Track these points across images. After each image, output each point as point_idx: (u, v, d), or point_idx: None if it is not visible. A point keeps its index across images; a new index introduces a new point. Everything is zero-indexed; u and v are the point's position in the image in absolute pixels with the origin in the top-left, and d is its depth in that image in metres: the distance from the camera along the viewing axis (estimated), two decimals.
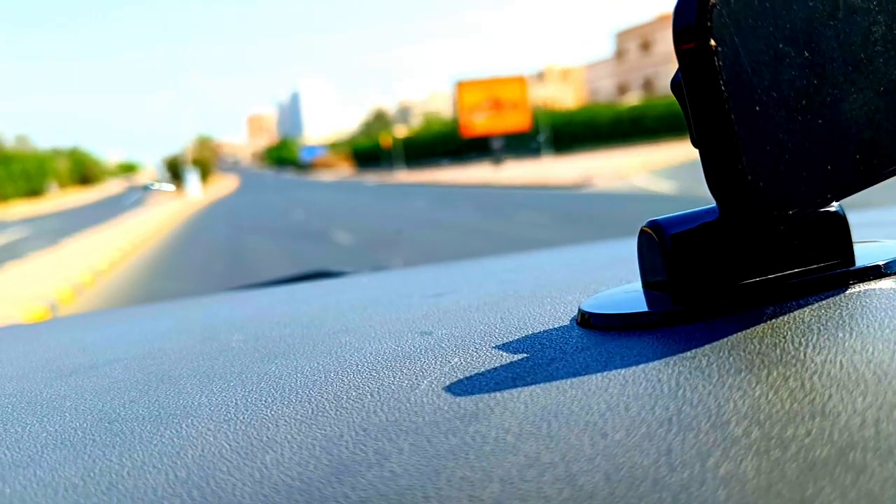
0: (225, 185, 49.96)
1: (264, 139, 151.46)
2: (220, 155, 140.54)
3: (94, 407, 0.51)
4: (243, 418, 0.44)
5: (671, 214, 0.51)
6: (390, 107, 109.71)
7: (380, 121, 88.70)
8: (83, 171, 78.19)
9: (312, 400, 0.46)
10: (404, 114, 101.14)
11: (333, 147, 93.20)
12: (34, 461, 0.42)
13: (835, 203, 0.51)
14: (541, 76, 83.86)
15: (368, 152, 57.68)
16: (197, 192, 30.56)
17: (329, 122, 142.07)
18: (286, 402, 0.46)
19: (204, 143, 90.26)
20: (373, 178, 41.40)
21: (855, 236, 0.52)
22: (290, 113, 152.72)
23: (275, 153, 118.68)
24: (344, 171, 67.16)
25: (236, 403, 0.47)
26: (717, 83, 0.42)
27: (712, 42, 0.42)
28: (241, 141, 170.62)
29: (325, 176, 62.78)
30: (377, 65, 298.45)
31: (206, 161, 45.36)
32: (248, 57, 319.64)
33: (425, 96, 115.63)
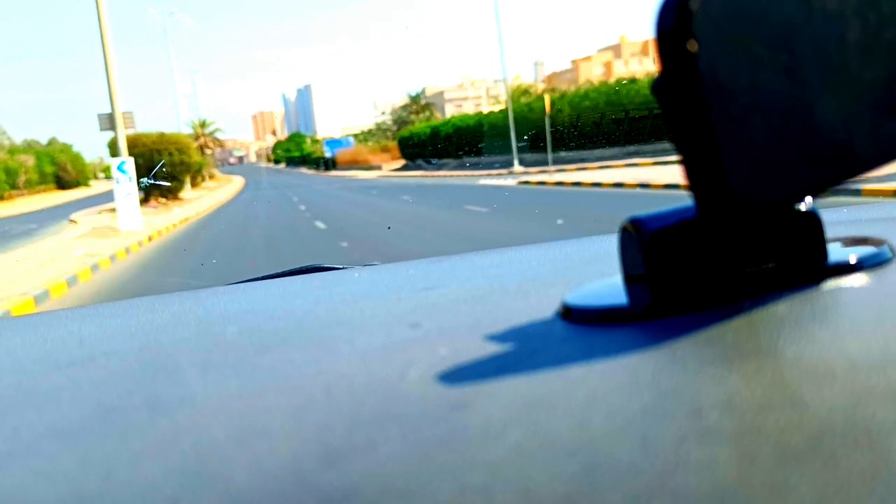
0: (220, 192, 33.76)
1: (270, 136, 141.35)
2: (224, 151, 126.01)
3: (90, 397, 0.52)
4: (238, 408, 0.45)
5: (651, 212, 0.52)
6: (394, 103, 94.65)
7: (416, 105, 73.73)
8: (60, 170, 61.98)
9: (305, 390, 0.46)
10: (438, 100, 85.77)
11: (361, 137, 78.35)
12: (31, 451, 0.42)
13: (809, 201, 0.52)
14: (616, 50, 68.75)
15: (428, 140, 41.63)
16: (133, 221, 14.23)
17: (339, 119, 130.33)
18: (279, 392, 0.47)
19: (199, 131, 74.37)
20: (498, 176, 24.49)
21: (828, 234, 0.54)
22: (299, 109, 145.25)
23: (284, 149, 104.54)
24: (387, 165, 51.86)
25: (231, 393, 0.48)
26: (696, 86, 0.43)
27: (693, 46, 0.43)
28: (247, 138, 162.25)
29: (362, 173, 47.38)
30: (384, 60, 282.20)
31: (184, 148, 24.30)
32: (253, 53, 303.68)
33: (457, 81, 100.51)
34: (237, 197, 30.60)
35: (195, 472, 0.36)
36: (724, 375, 0.38)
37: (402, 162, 47.58)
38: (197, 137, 70.95)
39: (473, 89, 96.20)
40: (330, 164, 68.69)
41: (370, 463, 0.34)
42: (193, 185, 37.56)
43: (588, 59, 67.36)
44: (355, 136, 79.42)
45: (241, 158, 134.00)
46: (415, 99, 71.81)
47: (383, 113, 78.85)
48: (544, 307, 0.58)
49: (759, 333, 0.44)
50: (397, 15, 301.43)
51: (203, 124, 75.22)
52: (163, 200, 23.14)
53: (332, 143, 77.97)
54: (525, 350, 0.48)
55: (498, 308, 0.62)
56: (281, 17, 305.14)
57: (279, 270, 1.28)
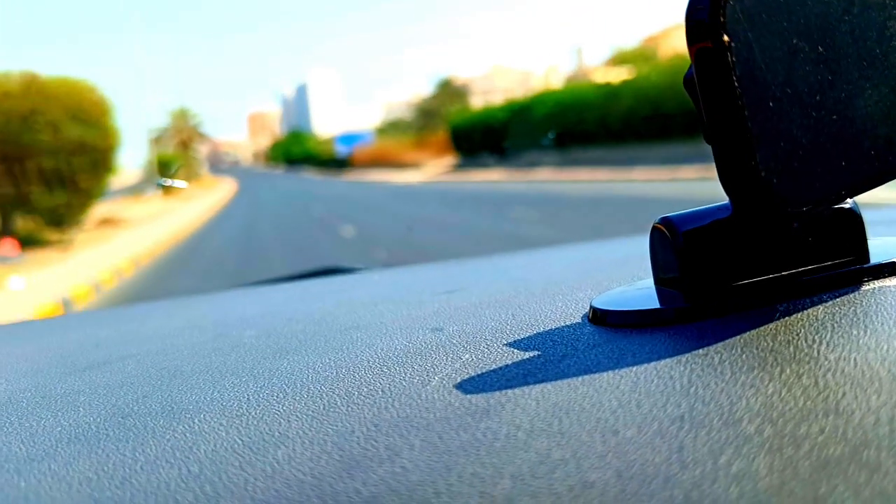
0: (192, 209, 21.46)
1: (266, 137, 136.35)
2: (217, 153, 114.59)
3: (107, 402, 0.52)
4: (255, 413, 0.44)
5: (684, 211, 0.51)
6: (402, 101, 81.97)
7: (446, 93, 61.43)
8: None
9: (324, 396, 0.46)
10: (465, 91, 73.47)
11: (385, 131, 65.83)
12: (49, 455, 0.42)
13: (849, 200, 0.50)
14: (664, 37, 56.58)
15: (504, 126, 28.55)
16: None
17: (338, 118, 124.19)
18: (298, 398, 0.46)
19: (181, 122, 61.52)
20: None
21: (869, 233, 0.52)
22: (296, 107, 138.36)
23: (282, 149, 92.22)
24: (432, 163, 39.34)
25: (248, 399, 0.48)
26: (730, 79, 0.42)
27: (725, 38, 0.41)
28: (242, 139, 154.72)
29: (395, 175, 34.95)
30: (388, 54, 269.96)
31: (93, 116, 9.46)
32: (249, 53, 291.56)
33: (485, 71, 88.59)
34: (219, 219, 18.03)
35: (212, 479, 0.36)
36: (762, 382, 0.37)
37: (452, 158, 35.10)
38: (179, 130, 58.18)
39: (503, 79, 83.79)
40: (344, 165, 56.34)
41: (391, 471, 0.34)
42: (166, 191, 24.75)
43: (665, 33, 54.51)
44: (382, 128, 66.90)
45: (236, 161, 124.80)
46: (444, 86, 59.46)
47: (414, 105, 66.24)
48: (572, 311, 0.57)
49: (798, 338, 0.42)
50: (403, 5, 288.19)
51: (184, 114, 62.24)
52: (56, 238, 10.25)
53: (347, 138, 64.64)
54: (552, 355, 0.47)
55: (523, 312, 0.61)
56: (277, 9, 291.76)
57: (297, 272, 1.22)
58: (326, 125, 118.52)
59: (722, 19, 0.41)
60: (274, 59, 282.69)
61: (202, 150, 68.43)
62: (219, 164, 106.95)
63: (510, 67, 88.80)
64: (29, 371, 0.66)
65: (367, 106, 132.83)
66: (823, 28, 0.43)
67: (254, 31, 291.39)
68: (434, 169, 34.10)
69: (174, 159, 34.74)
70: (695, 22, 0.42)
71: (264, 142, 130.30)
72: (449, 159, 35.26)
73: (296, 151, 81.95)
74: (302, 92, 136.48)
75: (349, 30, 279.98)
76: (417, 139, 44.87)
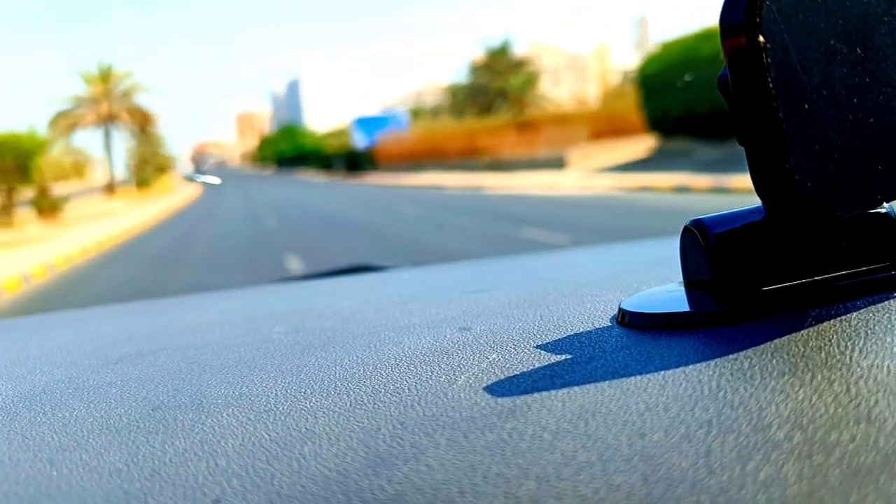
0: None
1: (255, 137, 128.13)
2: (202, 154, 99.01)
3: (138, 394, 0.52)
4: (283, 409, 0.45)
5: (715, 213, 0.51)
6: (409, 93, 65.82)
7: (504, 63, 44.85)
8: None
9: (351, 393, 0.46)
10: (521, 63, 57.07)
11: (420, 114, 49.23)
12: (80, 446, 0.43)
13: (885, 204, 0.50)
14: None
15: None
16: None
17: (333, 115, 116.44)
18: (325, 395, 0.46)
19: (101, 88, 43.23)
20: None
21: None
22: (287, 104, 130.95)
23: (272, 147, 76.12)
24: (578, 157, 22.34)
25: (276, 394, 0.48)
26: (765, 81, 0.41)
27: (761, 39, 0.41)
28: (230, 140, 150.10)
29: (523, 177, 18.32)
30: (386, 47, 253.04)
31: None
32: (239, 51, 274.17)
33: (524, 50, 72.23)
34: None
35: (239, 473, 0.36)
36: (792, 388, 0.37)
37: (639, 141, 18.44)
38: (97, 101, 39.99)
39: (549, 58, 66.65)
40: (360, 164, 39.33)
41: (416, 469, 0.34)
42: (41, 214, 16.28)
43: None
44: (417, 111, 50.09)
45: (221, 162, 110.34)
46: (499, 53, 42.60)
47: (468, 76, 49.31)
48: (600, 313, 0.57)
49: (830, 344, 0.42)
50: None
51: (107, 76, 39.67)
52: None
53: (369, 122, 47.53)
54: (580, 357, 0.46)
55: (552, 313, 0.61)
56: (271, 11, 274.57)
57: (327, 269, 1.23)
58: (320, 122, 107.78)
59: (758, 20, 0.41)
60: (265, 54, 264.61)
61: (174, 145, 50.59)
62: (200, 166, 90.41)
63: (554, 46, 72.66)
64: (63, 362, 0.67)
65: (365, 102, 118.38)
66: (862, 30, 0.43)
67: (245, 25, 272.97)
68: (583, 169, 17.01)
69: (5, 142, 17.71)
70: (730, 22, 0.42)
71: (253, 142, 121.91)
72: (624, 144, 18.31)
73: (288, 149, 65.40)
74: (294, 87, 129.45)
75: (346, 26, 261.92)
76: (515, 120, 27.79)
